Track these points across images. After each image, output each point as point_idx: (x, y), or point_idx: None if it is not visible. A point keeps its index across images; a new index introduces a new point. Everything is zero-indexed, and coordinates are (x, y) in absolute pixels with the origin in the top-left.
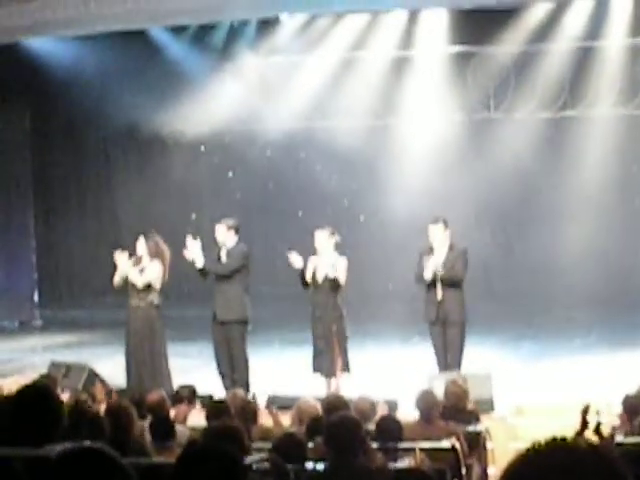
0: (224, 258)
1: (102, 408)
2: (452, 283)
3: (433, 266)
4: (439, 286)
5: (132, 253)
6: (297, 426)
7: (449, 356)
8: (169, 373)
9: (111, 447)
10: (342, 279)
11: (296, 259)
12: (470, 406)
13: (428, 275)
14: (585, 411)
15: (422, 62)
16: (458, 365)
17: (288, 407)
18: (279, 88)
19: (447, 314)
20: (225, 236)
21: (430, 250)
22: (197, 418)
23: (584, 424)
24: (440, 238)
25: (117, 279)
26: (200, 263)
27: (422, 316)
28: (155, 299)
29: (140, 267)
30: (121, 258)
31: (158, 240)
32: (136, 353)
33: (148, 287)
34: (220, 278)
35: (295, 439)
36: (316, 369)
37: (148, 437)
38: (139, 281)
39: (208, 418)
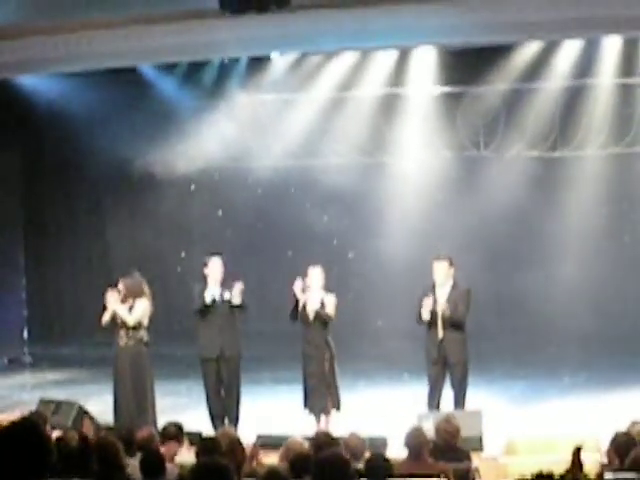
0: (213, 293)
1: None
2: (454, 324)
3: (432, 305)
4: (440, 325)
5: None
6: (284, 464)
7: (455, 395)
8: (154, 410)
9: None
10: (332, 313)
11: (300, 291)
12: (461, 444)
13: (426, 315)
14: (577, 452)
15: (412, 100)
16: (462, 404)
17: (277, 446)
18: (269, 126)
19: (448, 354)
20: (222, 270)
21: (432, 287)
22: (185, 456)
23: (576, 464)
24: (444, 275)
25: (106, 318)
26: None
27: (423, 355)
28: (145, 336)
29: (129, 305)
30: (112, 297)
31: (139, 279)
32: (124, 391)
33: (138, 324)
34: (227, 315)
35: (280, 476)
36: (308, 406)
37: (138, 474)
38: (130, 320)
39: (198, 455)
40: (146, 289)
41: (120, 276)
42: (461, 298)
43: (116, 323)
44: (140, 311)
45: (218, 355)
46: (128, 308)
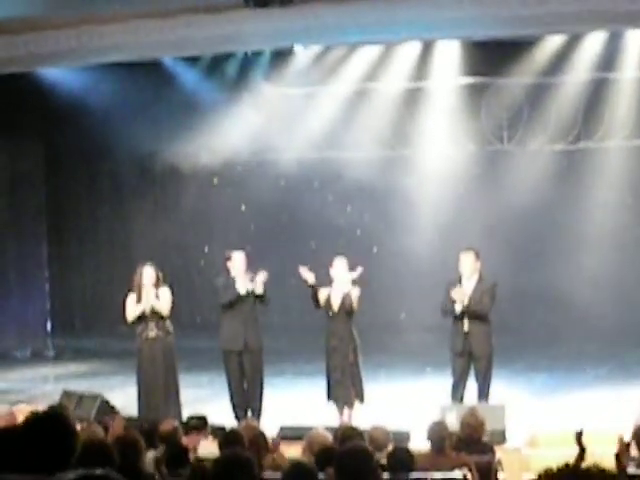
0: (244, 285)
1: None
2: (479, 316)
3: (460, 298)
4: (466, 318)
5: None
6: (308, 456)
7: (479, 388)
8: (180, 402)
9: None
10: (355, 306)
11: (308, 274)
12: (485, 438)
13: (457, 307)
14: (579, 437)
15: (435, 93)
16: (485, 397)
17: (300, 438)
18: (293, 119)
19: (473, 347)
20: (245, 264)
21: (458, 279)
22: (208, 448)
23: (582, 449)
24: (470, 268)
25: (135, 314)
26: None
27: (448, 347)
28: (170, 327)
29: (154, 295)
30: (148, 292)
31: (157, 269)
32: (155, 383)
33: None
34: (251, 308)
35: (306, 468)
36: (331, 399)
37: (162, 467)
38: (163, 308)
39: (221, 447)
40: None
41: (141, 264)
42: (487, 291)
43: (144, 316)
44: (168, 299)
45: (241, 347)
46: (154, 297)
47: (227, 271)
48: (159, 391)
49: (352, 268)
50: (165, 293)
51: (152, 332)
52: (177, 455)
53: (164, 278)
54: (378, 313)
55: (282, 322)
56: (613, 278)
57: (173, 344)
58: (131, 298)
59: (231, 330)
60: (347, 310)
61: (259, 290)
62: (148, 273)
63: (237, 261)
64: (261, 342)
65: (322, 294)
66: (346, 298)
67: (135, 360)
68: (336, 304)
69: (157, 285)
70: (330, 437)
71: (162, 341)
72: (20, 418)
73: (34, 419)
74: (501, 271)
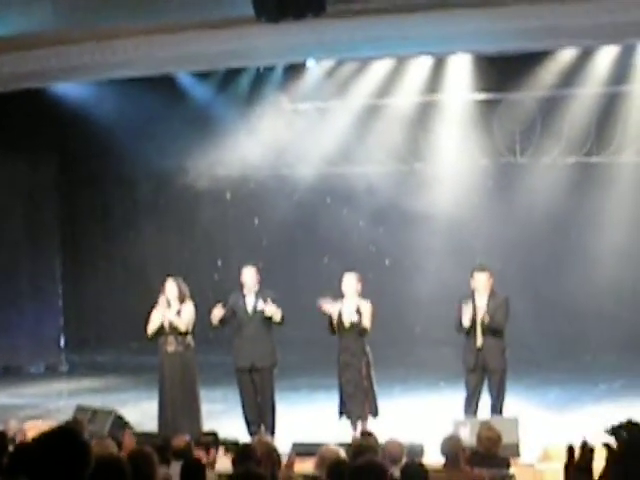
0: (253, 302)
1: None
2: (493, 331)
3: (472, 313)
4: (479, 333)
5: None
6: (320, 472)
7: (493, 402)
8: (200, 418)
9: None
10: (368, 324)
11: (328, 305)
12: (501, 452)
13: (466, 322)
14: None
15: (448, 107)
16: (499, 411)
17: (313, 453)
18: (305, 134)
19: (487, 362)
20: (255, 279)
21: (471, 296)
22: (222, 464)
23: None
24: (484, 286)
25: (155, 326)
26: (278, 315)
27: (461, 362)
28: (192, 342)
29: (174, 310)
30: (161, 306)
31: (182, 282)
32: (174, 398)
33: (187, 329)
34: (259, 326)
35: None
36: (343, 414)
37: None
38: (181, 324)
39: (234, 463)
40: (188, 293)
41: (168, 276)
42: (500, 306)
43: (163, 330)
44: (189, 315)
45: (249, 366)
46: (175, 312)
47: (241, 286)
48: (177, 406)
49: (364, 283)
50: (187, 308)
51: (171, 347)
52: (192, 470)
53: (189, 293)
54: (392, 327)
55: (296, 337)
56: (627, 291)
57: (193, 359)
58: (155, 311)
59: (239, 348)
60: (359, 328)
61: (277, 318)
62: (170, 287)
63: (246, 276)
64: (272, 359)
65: (334, 310)
66: (357, 322)
67: (155, 375)
68: (347, 321)
69: (181, 299)
70: (342, 452)
71: (181, 356)
72: (30, 434)
73: (47, 435)
74: (513, 284)
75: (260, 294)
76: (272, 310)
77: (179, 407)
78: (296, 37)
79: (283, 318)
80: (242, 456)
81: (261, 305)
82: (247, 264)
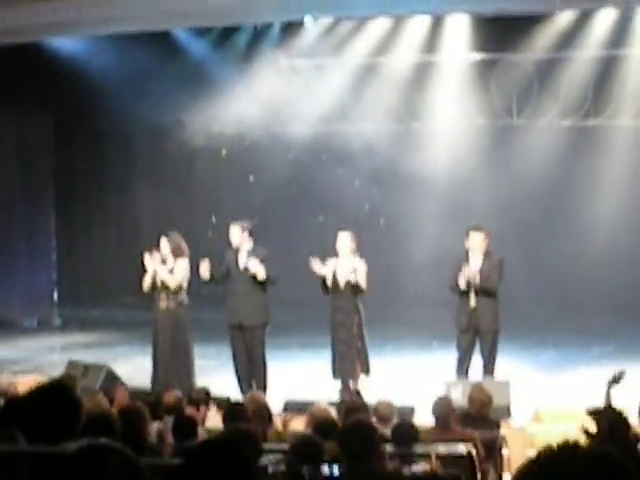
0: (244, 260)
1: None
2: (486, 292)
3: (467, 274)
4: (472, 294)
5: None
6: (310, 430)
7: (485, 363)
8: (192, 374)
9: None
10: (363, 283)
11: (318, 266)
12: (492, 414)
13: (462, 284)
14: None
15: (445, 67)
16: (491, 372)
17: (305, 411)
18: (302, 91)
19: (480, 322)
20: (240, 238)
21: (466, 256)
22: (213, 421)
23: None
24: (479, 246)
25: (147, 283)
26: (262, 274)
27: (454, 322)
28: (185, 299)
29: (169, 267)
30: (151, 260)
31: (179, 238)
32: (164, 355)
33: (179, 287)
34: (249, 284)
35: (312, 441)
36: (336, 373)
37: (169, 437)
38: (172, 282)
39: (225, 420)
40: (186, 249)
41: (163, 234)
42: (494, 267)
43: (156, 286)
44: (181, 273)
45: (237, 324)
46: (169, 270)
47: (229, 244)
48: (168, 362)
49: (358, 242)
50: (180, 265)
51: (163, 303)
52: (184, 426)
53: (186, 250)
54: (385, 287)
55: (288, 295)
56: (622, 255)
57: (186, 316)
58: (148, 265)
59: (230, 306)
60: (354, 287)
61: (261, 276)
62: (163, 245)
63: (231, 234)
64: (262, 318)
65: (328, 274)
66: (354, 282)
67: (148, 330)
68: (342, 280)
69: (176, 256)
70: (332, 411)
71: (173, 313)
72: (22, 388)
73: (39, 389)
74: (509, 245)
75: (253, 252)
76: (256, 268)
77: (170, 363)
78: None
79: (269, 277)
80: (232, 413)
81: (251, 263)
82: (241, 221)
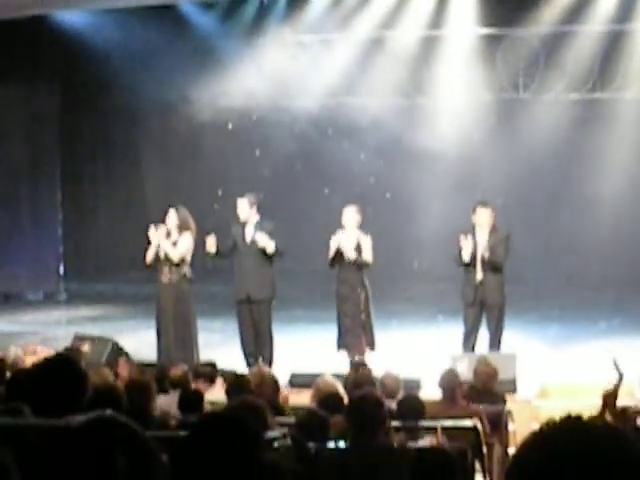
0: (251, 233)
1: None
2: (493, 267)
3: (473, 248)
4: (479, 268)
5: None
6: (316, 404)
7: (491, 337)
8: (197, 347)
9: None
10: (369, 257)
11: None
12: (497, 387)
13: (466, 257)
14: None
15: (452, 42)
16: (497, 346)
17: (311, 385)
18: (308, 66)
19: (486, 296)
20: (248, 212)
21: (472, 230)
22: (219, 394)
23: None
24: (486, 221)
25: (151, 255)
26: (271, 248)
27: (460, 296)
28: (188, 272)
29: (172, 240)
30: (156, 234)
31: (186, 213)
32: (167, 327)
33: (182, 260)
34: (256, 257)
35: (319, 416)
36: (341, 347)
37: (175, 410)
38: (175, 255)
39: (228, 393)
40: (192, 224)
41: (165, 211)
42: (501, 241)
43: (159, 259)
44: (185, 246)
45: (244, 298)
46: (172, 243)
47: (237, 218)
48: (170, 336)
49: (364, 216)
50: (184, 239)
51: (165, 277)
52: (190, 399)
53: (192, 225)
54: (391, 261)
55: (295, 269)
56: (628, 229)
57: (189, 290)
58: (152, 238)
59: (236, 280)
60: (360, 261)
61: (270, 250)
62: (171, 217)
63: (238, 207)
64: (269, 291)
65: (332, 247)
66: (359, 257)
67: (154, 304)
68: (347, 254)
69: (181, 229)
70: (338, 384)
71: (175, 286)
72: (28, 361)
73: (45, 363)
74: (515, 220)
75: (259, 225)
76: (264, 241)
77: (172, 337)
78: None
79: (277, 250)
80: (235, 387)
81: (259, 236)
82: (248, 195)
